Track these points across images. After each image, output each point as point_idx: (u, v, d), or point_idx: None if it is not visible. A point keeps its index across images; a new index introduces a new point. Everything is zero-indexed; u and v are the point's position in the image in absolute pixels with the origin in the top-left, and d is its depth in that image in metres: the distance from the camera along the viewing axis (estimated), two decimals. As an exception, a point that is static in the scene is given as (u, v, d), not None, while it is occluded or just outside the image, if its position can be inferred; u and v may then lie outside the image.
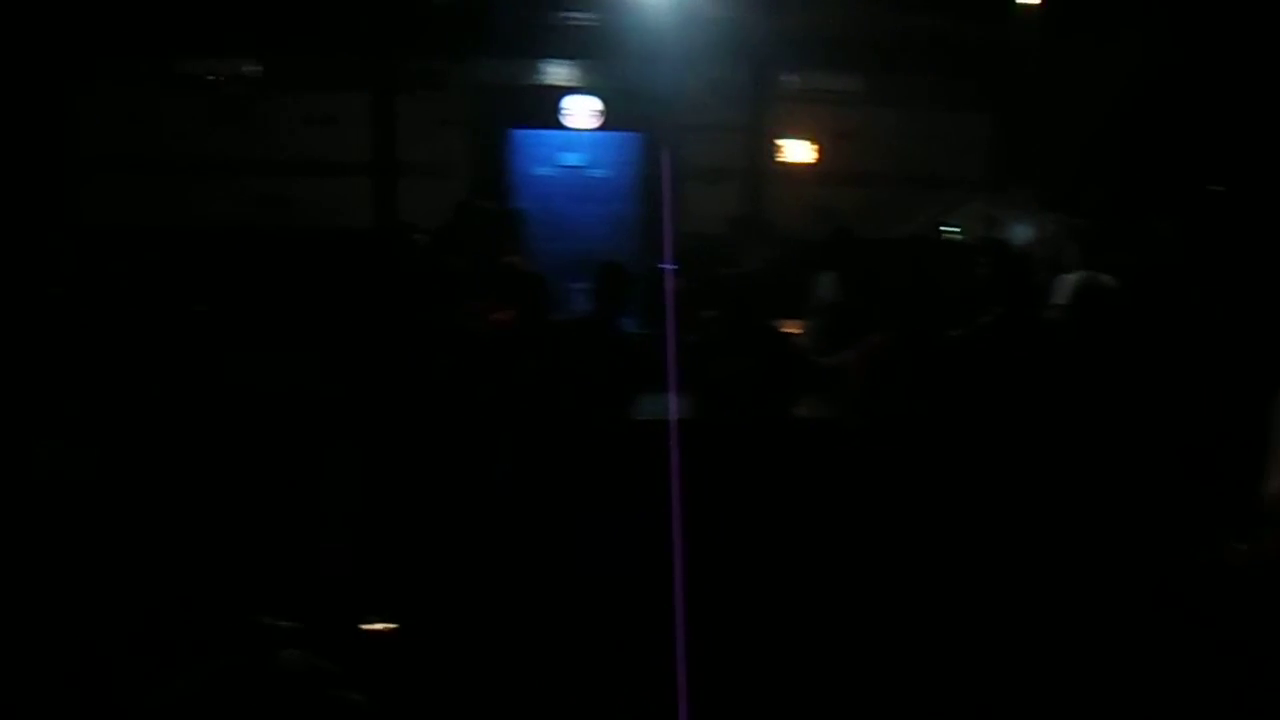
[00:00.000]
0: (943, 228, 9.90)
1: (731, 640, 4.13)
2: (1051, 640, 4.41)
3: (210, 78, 10.38)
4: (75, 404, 5.23)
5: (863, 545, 4.90)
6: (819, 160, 11.23)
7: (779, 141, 11.10)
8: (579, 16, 10.33)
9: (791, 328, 6.58)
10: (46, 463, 4.79)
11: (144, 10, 9.79)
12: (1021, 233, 8.64)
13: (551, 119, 10.97)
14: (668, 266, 6.87)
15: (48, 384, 5.30)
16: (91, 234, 8.35)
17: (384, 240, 7.07)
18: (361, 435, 5.27)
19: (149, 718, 3.18)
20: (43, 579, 4.13)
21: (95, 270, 6.65)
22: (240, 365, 5.99)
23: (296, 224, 9.94)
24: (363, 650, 3.36)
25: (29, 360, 5.45)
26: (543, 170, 11.27)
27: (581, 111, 11.02)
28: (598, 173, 11.25)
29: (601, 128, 11.12)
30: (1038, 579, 4.66)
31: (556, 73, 10.94)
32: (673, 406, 4.87)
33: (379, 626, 3.39)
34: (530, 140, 11.21)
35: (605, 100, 10.97)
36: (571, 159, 11.31)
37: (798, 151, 11.23)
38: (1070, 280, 6.66)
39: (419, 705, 3.65)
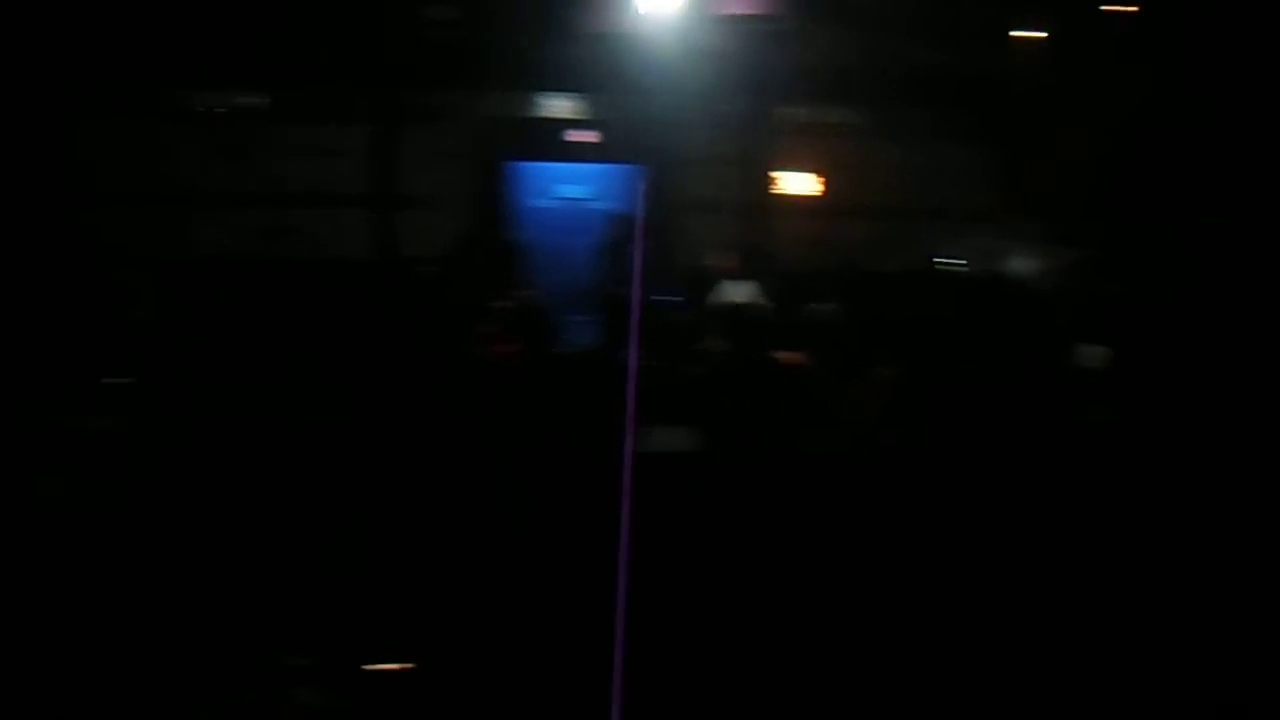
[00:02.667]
0: (944, 260, 9.90)
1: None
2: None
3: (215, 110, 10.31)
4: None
5: (865, 576, 4.87)
6: (820, 193, 11.21)
7: (775, 174, 11.09)
8: (578, 50, 10.34)
9: (794, 360, 6.56)
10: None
11: (144, 41, 9.74)
12: (1022, 265, 8.64)
13: (551, 152, 10.96)
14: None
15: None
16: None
17: (389, 271, 7.04)
18: (373, 458, 5.25)
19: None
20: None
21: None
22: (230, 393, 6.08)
23: (298, 256, 9.90)
24: (376, 689, 3.33)
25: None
26: (542, 202, 11.25)
27: (581, 144, 11.02)
28: (597, 205, 11.22)
29: (601, 160, 11.11)
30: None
31: (557, 105, 10.95)
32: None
33: (392, 666, 3.36)
34: (530, 172, 11.20)
35: (605, 133, 10.97)
36: (571, 191, 11.29)
37: (797, 184, 11.21)
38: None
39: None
